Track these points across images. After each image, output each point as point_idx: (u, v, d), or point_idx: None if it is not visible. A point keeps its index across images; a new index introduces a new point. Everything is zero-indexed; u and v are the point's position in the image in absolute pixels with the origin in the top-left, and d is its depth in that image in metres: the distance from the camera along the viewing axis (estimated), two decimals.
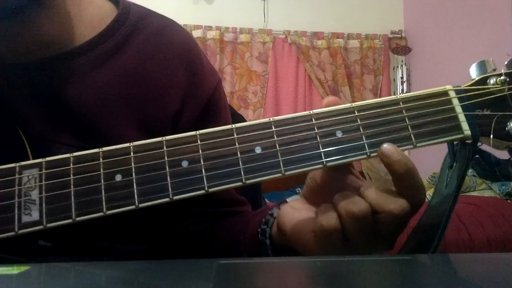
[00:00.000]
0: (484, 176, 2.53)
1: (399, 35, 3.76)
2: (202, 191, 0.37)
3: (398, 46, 3.68)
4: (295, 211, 0.44)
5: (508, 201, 2.35)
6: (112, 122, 0.54)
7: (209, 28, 3.49)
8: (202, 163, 0.37)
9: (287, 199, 0.47)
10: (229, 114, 0.67)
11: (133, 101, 0.55)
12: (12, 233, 0.36)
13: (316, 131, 0.39)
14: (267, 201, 1.08)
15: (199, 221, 0.61)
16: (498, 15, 2.68)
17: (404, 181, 0.37)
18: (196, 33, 3.38)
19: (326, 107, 0.40)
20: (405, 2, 3.83)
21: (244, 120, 0.91)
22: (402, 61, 3.71)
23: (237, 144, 0.38)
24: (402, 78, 3.70)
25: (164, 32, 0.60)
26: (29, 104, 0.51)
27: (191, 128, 0.59)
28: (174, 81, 0.58)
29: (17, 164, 0.37)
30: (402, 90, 3.68)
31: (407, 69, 3.70)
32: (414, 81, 3.68)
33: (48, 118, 0.52)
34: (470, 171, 2.54)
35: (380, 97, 3.65)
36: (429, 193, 2.40)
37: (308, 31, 3.67)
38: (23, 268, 0.30)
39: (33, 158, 0.46)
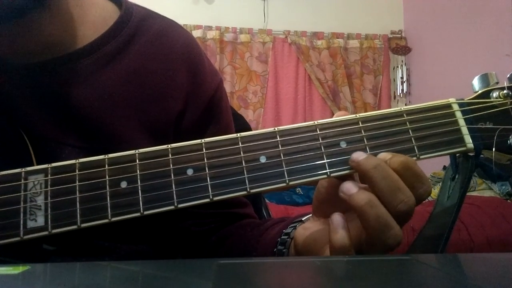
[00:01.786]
0: (484, 176, 2.54)
1: (399, 35, 3.76)
2: (207, 200, 0.37)
3: (398, 46, 3.68)
4: (306, 230, 0.44)
5: (508, 201, 2.36)
6: (115, 123, 0.54)
7: (209, 28, 3.48)
8: (207, 171, 0.38)
9: (302, 219, 0.47)
10: (231, 114, 0.67)
11: (136, 102, 0.55)
12: (17, 239, 0.36)
13: (321, 141, 0.39)
14: (267, 201, 1.08)
15: (201, 222, 0.61)
16: (498, 15, 2.68)
17: (404, 175, 0.37)
18: (196, 33, 3.37)
19: None
20: (405, 2, 3.82)
21: (245, 120, 0.90)
22: (402, 61, 3.71)
23: (242, 153, 0.38)
24: (402, 78, 3.70)
25: (166, 34, 0.60)
26: (32, 105, 0.51)
27: (194, 128, 0.60)
28: (176, 82, 0.58)
29: (23, 170, 0.37)
30: (402, 90, 3.68)
31: (407, 69, 3.70)
32: (414, 81, 3.68)
33: (52, 119, 0.52)
34: None
35: (380, 97, 3.65)
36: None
37: (308, 31, 3.66)
38: (23, 268, 0.30)
39: (38, 159, 0.47)
